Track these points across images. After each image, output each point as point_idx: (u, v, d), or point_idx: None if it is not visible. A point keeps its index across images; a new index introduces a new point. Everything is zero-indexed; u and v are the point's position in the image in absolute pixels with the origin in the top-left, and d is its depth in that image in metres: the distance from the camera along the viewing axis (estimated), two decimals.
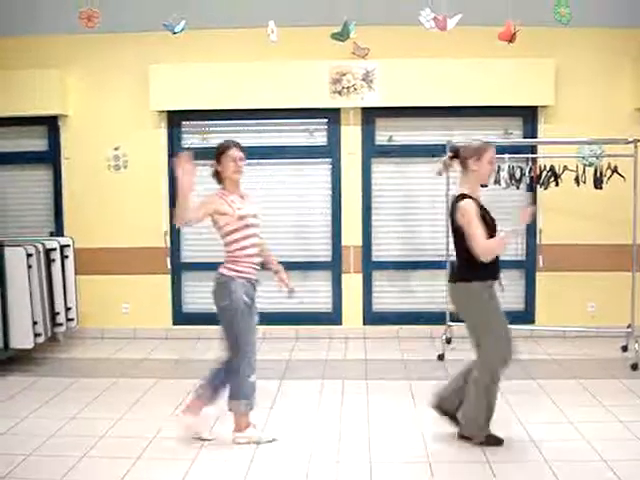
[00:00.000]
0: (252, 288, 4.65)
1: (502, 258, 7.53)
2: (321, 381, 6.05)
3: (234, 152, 4.59)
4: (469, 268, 4.41)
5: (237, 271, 4.56)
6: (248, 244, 4.61)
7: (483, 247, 4.27)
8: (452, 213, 4.45)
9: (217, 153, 4.63)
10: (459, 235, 4.39)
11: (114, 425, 4.97)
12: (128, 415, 5.20)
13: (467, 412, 4.52)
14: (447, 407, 4.66)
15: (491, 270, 4.47)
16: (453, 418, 4.64)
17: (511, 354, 4.47)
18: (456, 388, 4.65)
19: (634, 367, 6.25)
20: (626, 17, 7.14)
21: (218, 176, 4.67)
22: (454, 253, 4.58)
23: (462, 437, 4.56)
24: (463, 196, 4.39)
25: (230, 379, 4.63)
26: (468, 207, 4.31)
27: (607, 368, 6.21)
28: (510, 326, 7.11)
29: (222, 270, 4.61)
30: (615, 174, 6.75)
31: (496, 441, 4.50)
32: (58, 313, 6.93)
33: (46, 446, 4.57)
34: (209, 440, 4.65)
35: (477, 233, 4.27)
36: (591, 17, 6.95)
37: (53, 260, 6.89)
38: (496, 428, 4.80)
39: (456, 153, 4.54)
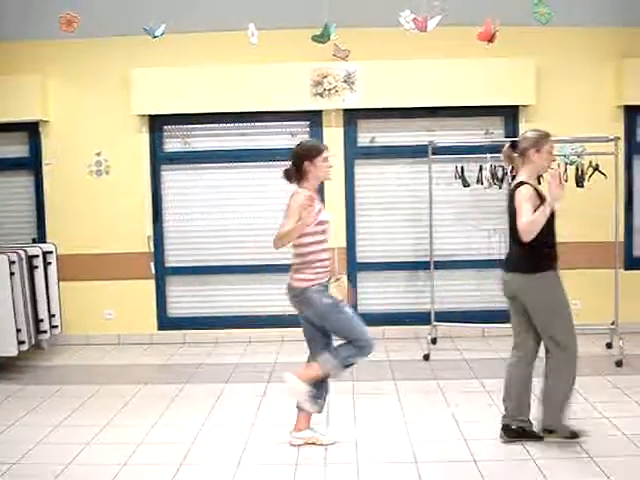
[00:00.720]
0: (326, 289, 4.57)
1: (484, 257, 7.60)
2: None
3: (327, 154, 4.55)
4: (541, 257, 4.40)
5: (310, 280, 4.48)
6: (320, 249, 4.53)
7: (525, 223, 4.22)
8: (510, 200, 4.44)
9: (311, 153, 4.50)
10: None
11: (100, 432, 4.94)
12: (114, 422, 5.17)
13: (555, 404, 4.46)
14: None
15: (555, 258, 4.49)
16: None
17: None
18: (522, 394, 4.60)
19: (618, 364, 6.29)
20: (606, 17, 7.19)
21: (299, 174, 4.53)
22: (509, 244, 4.59)
23: (549, 432, 4.50)
24: (522, 183, 4.39)
25: (347, 345, 4.50)
26: (524, 191, 4.30)
27: (592, 365, 6.23)
28: (495, 325, 7.17)
29: (295, 283, 4.54)
30: (597, 172, 6.79)
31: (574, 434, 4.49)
32: (42, 320, 6.89)
33: (31, 454, 4.54)
34: (331, 444, 4.60)
35: (523, 211, 4.25)
36: (571, 17, 7.00)
37: (36, 267, 6.85)
38: (478, 427, 4.83)
39: (514, 143, 4.55)
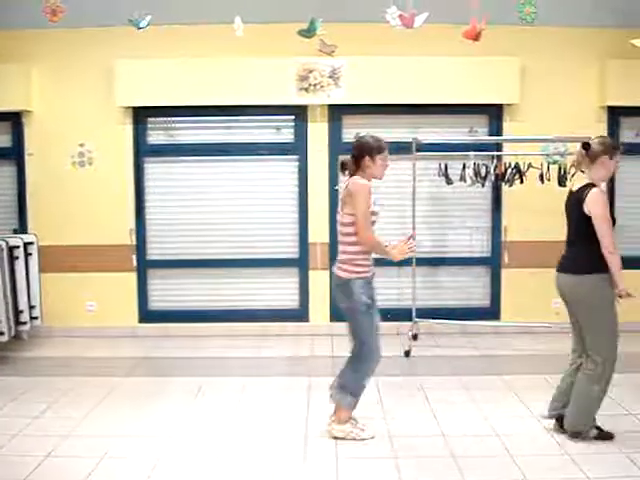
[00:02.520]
0: (371, 285, 4.59)
1: (467, 255, 7.64)
2: (288, 378, 6.06)
3: (387, 154, 4.57)
4: (599, 259, 4.39)
5: (356, 272, 4.49)
6: None
7: (613, 247, 4.32)
8: (578, 202, 4.44)
9: (372, 150, 4.49)
10: (587, 223, 4.40)
11: (79, 424, 4.92)
12: (93, 414, 5.15)
13: (582, 407, 4.51)
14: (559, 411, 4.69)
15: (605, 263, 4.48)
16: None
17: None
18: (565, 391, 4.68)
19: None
20: (591, 17, 7.22)
21: (356, 166, 4.53)
22: (572, 244, 4.62)
23: (573, 435, 4.55)
24: (593, 185, 4.43)
25: (348, 371, 4.61)
26: (602, 198, 4.38)
27: None
28: (475, 322, 7.21)
29: (340, 273, 4.53)
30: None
31: (608, 435, 4.54)
32: (22, 311, 6.86)
33: (10, 446, 4.53)
34: (372, 438, 4.63)
35: (607, 230, 4.34)
36: (556, 16, 7.02)
37: (16, 257, 6.82)
38: (464, 424, 4.86)
39: (587, 145, 4.56)
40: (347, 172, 4.62)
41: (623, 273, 4.37)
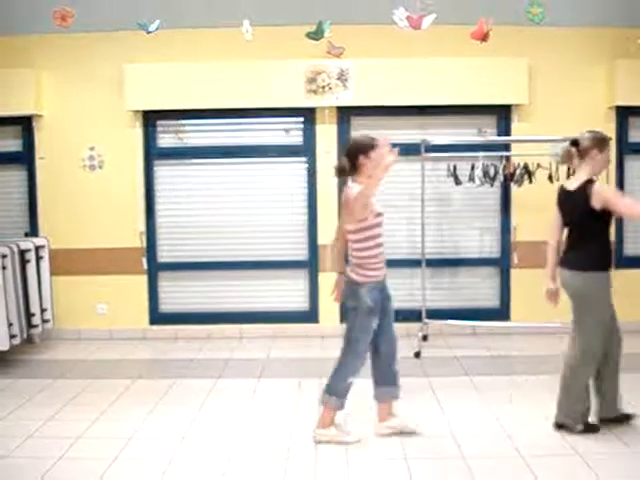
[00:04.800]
0: (381, 289, 4.59)
1: (476, 256, 7.65)
2: (298, 380, 6.07)
3: (386, 149, 4.48)
4: (603, 256, 4.47)
5: (367, 276, 4.51)
6: (374, 244, 4.55)
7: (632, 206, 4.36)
8: (581, 200, 4.46)
9: (364, 148, 4.47)
10: (594, 220, 4.44)
11: (91, 426, 4.95)
12: (105, 416, 5.18)
13: (564, 401, 4.62)
14: (605, 414, 4.71)
15: (610, 260, 4.56)
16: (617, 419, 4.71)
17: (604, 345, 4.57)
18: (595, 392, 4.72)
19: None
20: (599, 16, 7.22)
21: (356, 169, 4.51)
22: (574, 242, 4.64)
23: (560, 427, 4.63)
24: (591, 181, 4.47)
25: (333, 371, 4.64)
26: (605, 187, 4.49)
27: None
28: (485, 322, 7.21)
29: (353, 276, 4.55)
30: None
31: (593, 428, 4.60)
32: (34, 314, 6.90)
33: (24, 447, 4.56)
34: (357, 442, 4.62)
35: (619, 198, 4.40)
36: (564, 16, 7.03)
37: (28, 261, 6.86)
38: (475, 424, 4.87)
39: (576, 142, 4.62)
40: (349, 177, 4.60)
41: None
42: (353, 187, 4.47)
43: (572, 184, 4.61)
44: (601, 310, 4.54)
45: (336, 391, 4.61)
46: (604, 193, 4.40)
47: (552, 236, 4.76)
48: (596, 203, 4.39)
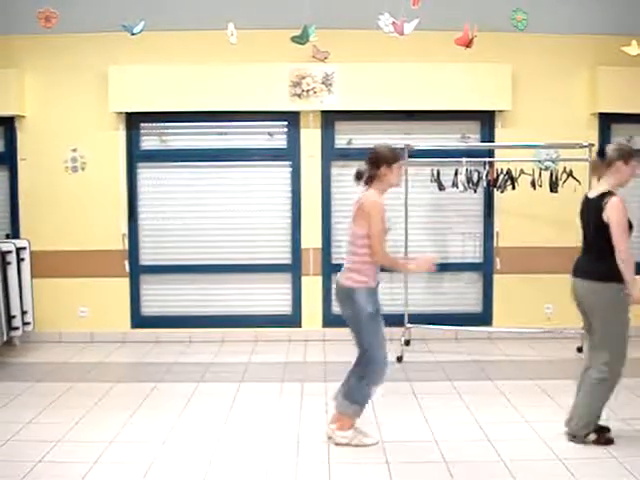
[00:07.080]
0: (375, 293, 4.58)
1: (459, 261, 7.67)
2: (280, 384, 6.06)
3: (402, 163, 4.63)
4: (616, 268, 4.39)
5: (362, 281, 4.49)
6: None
7: (627, 254, 4.34)
8: (596, 209, 4.45)
9: (388, 159, 4.53)
10: (606, 230, 4.40)
11: (72, 429, 4.92)
12: (85, 420, 5.14)
13: (585, 412, 4.55)
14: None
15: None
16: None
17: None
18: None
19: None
20: (582, 24, 7.28)
21: (373, 176, 4.56)
22: (591, 250, 4.63)
23: (574, 437, 4.59)
24: (611, 193, 4.44)
25: (352, 379, 4.61)
26: (621, 206, 4.37)
27: (563, 369, 6.30)
28: (467, 328, 7.23)
29: (346, 282, 4.53)
30: (570, 178, 6.87)
31: (607, 440, 4.56)
32: (14, 316, 6.85)
33: (1, 452, 4.51)
34: (375, 444, 4.61)
35: (623, 238, 4.35)
36: (548, 24, 7.09)
37: (9, 263, 6.81)
38: (456, 429, 4.87)
39: (602, 152, 4.59)
40: (362, 182, 4.63)
41: (637, 279, 4.38)
42: (370, 195, 4.54)
43: (593, 192, 4.62)
44: (620, 325, 4.49)
45: (358, 400, 4.60)
46: (612, 215, 4.36)
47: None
48: (605, 216, 4.39)
